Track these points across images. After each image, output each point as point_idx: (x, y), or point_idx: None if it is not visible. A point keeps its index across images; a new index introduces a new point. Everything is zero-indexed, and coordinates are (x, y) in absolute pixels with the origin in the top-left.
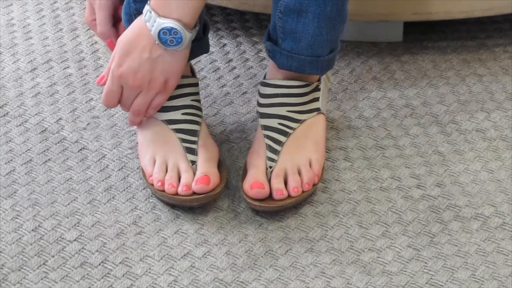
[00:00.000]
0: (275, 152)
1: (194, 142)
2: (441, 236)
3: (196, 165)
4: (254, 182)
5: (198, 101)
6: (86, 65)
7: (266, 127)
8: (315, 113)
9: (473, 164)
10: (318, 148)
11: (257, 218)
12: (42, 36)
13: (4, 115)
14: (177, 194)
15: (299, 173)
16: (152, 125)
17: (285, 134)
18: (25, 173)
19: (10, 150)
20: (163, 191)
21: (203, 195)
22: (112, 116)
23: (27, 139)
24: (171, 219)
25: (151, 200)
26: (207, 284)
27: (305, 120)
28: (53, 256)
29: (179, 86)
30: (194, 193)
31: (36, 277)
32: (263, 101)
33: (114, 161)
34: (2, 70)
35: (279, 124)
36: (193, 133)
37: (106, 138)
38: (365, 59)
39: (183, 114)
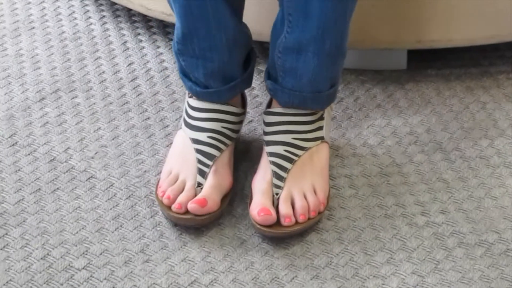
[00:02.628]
0: (281, 178)
1: (207, 166)
2: (445, 262)
3: (201, 188)
4: (261, 208)
5: (231, 129)
6: (94, 94)
7: (271, 154)
8: (319, 141)
9: (477, 191)
10: (322, 176)
11: (263, 246)
12: (50, 66)
13: (13, 145)
14: (170, 208)
15: (305, 200)
16: (181, 140)
17: (291, 161)
18: (34, 202)
19: (19, 179)
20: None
21: (191, 216)
22: (120, 145)
23: (36, 168)
24: (178, 247)
25: (158, 228)
26: None
27: (309, 148)
28: (62, 284)
29: (214, 111)
30: (186, 213)
31: None
32: (268, 129)
33: (122, 189)
34: (11, 100)
35: (285, 151)
36: (211, 157)
37: (114, 167)
38: (369, 87)
39: (208, 137)
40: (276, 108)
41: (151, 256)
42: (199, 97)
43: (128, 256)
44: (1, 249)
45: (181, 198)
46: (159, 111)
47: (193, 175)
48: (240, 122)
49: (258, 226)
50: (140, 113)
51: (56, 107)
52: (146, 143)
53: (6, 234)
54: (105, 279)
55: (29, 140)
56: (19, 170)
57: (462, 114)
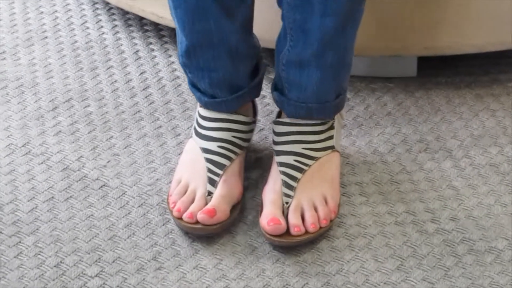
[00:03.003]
0: (291, 188)
1: (217, 175)
2: (455, 269)
3: (211, 197)
4: (271, 218)
5: (241, 139)
6: (106, 103)
7: (281, 164)
8: (330, 151)
9: (486, 198)
10: (333, 185)
11: (274, 253)
12: (63, 75)
13: (26, 153)
14: (181, 218)
15: (316, 209)
16: (191, 149)
17: (301, 170)
18: (47, 210)
19: (32, 187)
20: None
21: (202, 226)
22: (132, 153)
23: (49, 177)
24: (190, 254)
25: (170, 236)
26: None
27: (320, 157)
28: None
29: (224, 120)
30: (197, 222)
31: None
32: (278, 139)
33: (134, 197)
34: (24, 109)
35: (295, 161)
36: (221, 166)
37: (126, 175)
38: (379, 95)
39: (218, 146)
40: (286, 118)
41: (163, 264)
42: (208, 107)
43: (140, 263)
44: (15, 257)
45: (192, 208)
46: (171, 119)
47: (203, 184)
48: (251, 131)
49: (268, 236)
50: (152, 122)
51: (69, 116)
52: (158, 151)
53: (20, 242)
54: (117, 286)
55: (42, 148)
56: (32, 178)
57: (471, 122)
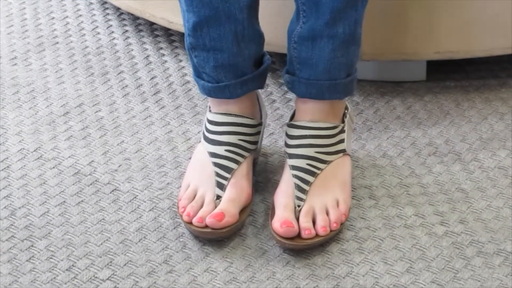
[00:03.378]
0: (303, 191)
1: (225, 179)
2: (464, 271)
3: (220, 201)
4: (284, 221)
5: (248, 141)
6: (117, 108)
7: (294, 167)
8: (341, 154)
9: (495, 201)
10: (344, 189)
11: (284, 256)
12: (74, 80)
13: (38, 158)
14: (191, 223)
15: (327, 213)
16: (200, 153)
17: (313, 174)
18: (59, 214)
19: (44, 192)
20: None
21: (211, 230)
22: (143, 158)
23: (61, 181)
24: (201, 257)
25: (181, 239)
26: None
27: (332, 161)
28: None
29: (230, 124)
30: (206, 226)
31: None
32: (291, 142)
33: (145, 201)
34: (36, 114)
35: (307, 164)
36: (229, 170)
37: (137, 180)
38: (389, 99)
39: (226, 150)
40: (300, 122)
41: (175, 267)
42: (212, 94)
43: (151, 266)
44: (27, 260)
45: (201, 213)
46: (181, 124)
47: (212, 188)
48: (257, 133)
49: (279, 238)
50: (163, 126)
51: (80, 121)
52: (169, 155)
53: (32, 246)
54: None
55: (54, 153)
56: (44, 183)
57: (480, 125)
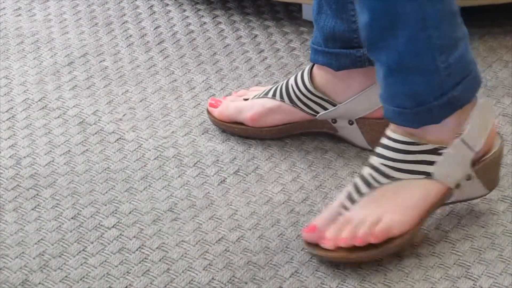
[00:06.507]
0: (352, 201)
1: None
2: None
3: None
4: (310, 225)
5: None
6: (121, 58)
7: (359, 174)
8: (422, 176)
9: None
10: (397, 212)
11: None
12: (78, 30)
13: (43, 108)
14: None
15: (360, 228)
16: None
17: (369, 185)
18: (64, 163)
19: (49, 141)
20: None
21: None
22: (148, 107)
23: (66, 131)
24: (205, 205)
25: (186, 188)
26: (241, 267)
27: (400, 179)
28: (92, 243)
29: None
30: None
31: (76, 262)
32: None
33: (150, 150)
34: (40, 64)
35: (369, 174)
36: None
37: (142, 128)
38: None
39: None
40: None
41: (179, 215)
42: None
43: (156, 214)
44: (33, 209)
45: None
46: (185, 73)
47: None
48: None
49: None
50: (167, 76)
51: (84, 71)
52: (173, 104)
53: (37, 194)
54: (134, 237)
55: (59, 103)
56: (49, 132)
57: (485, 73)
